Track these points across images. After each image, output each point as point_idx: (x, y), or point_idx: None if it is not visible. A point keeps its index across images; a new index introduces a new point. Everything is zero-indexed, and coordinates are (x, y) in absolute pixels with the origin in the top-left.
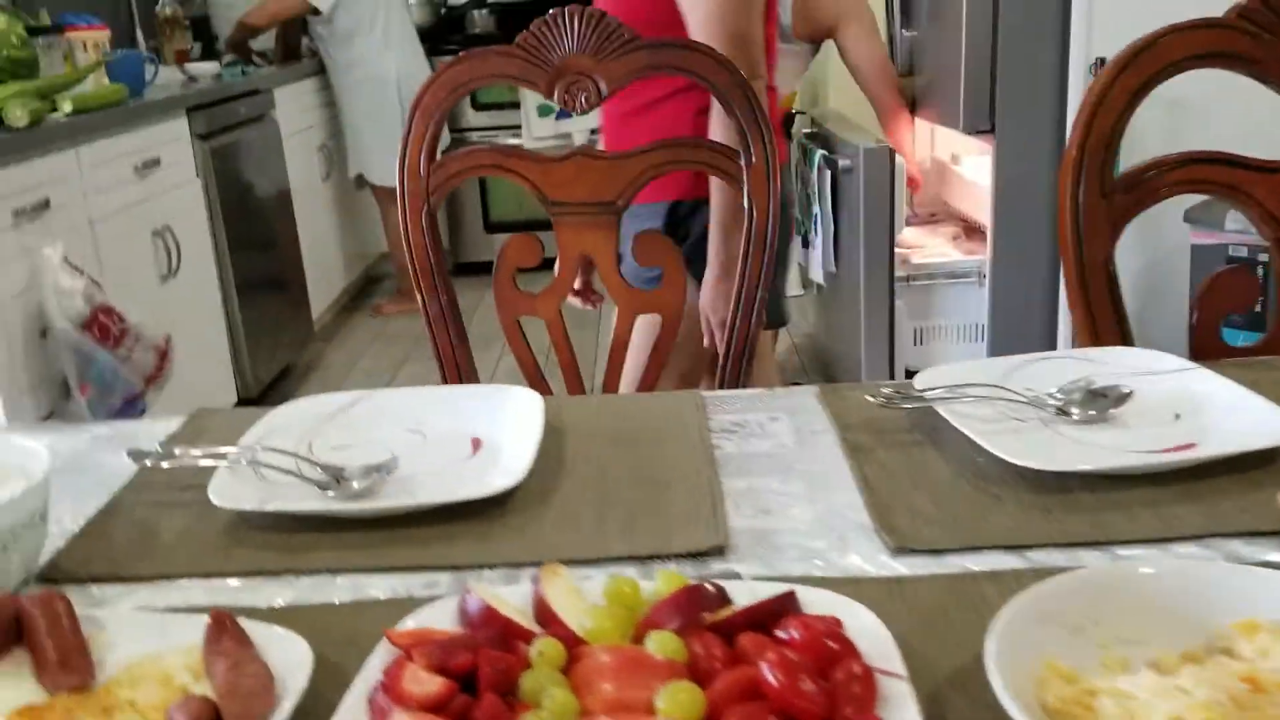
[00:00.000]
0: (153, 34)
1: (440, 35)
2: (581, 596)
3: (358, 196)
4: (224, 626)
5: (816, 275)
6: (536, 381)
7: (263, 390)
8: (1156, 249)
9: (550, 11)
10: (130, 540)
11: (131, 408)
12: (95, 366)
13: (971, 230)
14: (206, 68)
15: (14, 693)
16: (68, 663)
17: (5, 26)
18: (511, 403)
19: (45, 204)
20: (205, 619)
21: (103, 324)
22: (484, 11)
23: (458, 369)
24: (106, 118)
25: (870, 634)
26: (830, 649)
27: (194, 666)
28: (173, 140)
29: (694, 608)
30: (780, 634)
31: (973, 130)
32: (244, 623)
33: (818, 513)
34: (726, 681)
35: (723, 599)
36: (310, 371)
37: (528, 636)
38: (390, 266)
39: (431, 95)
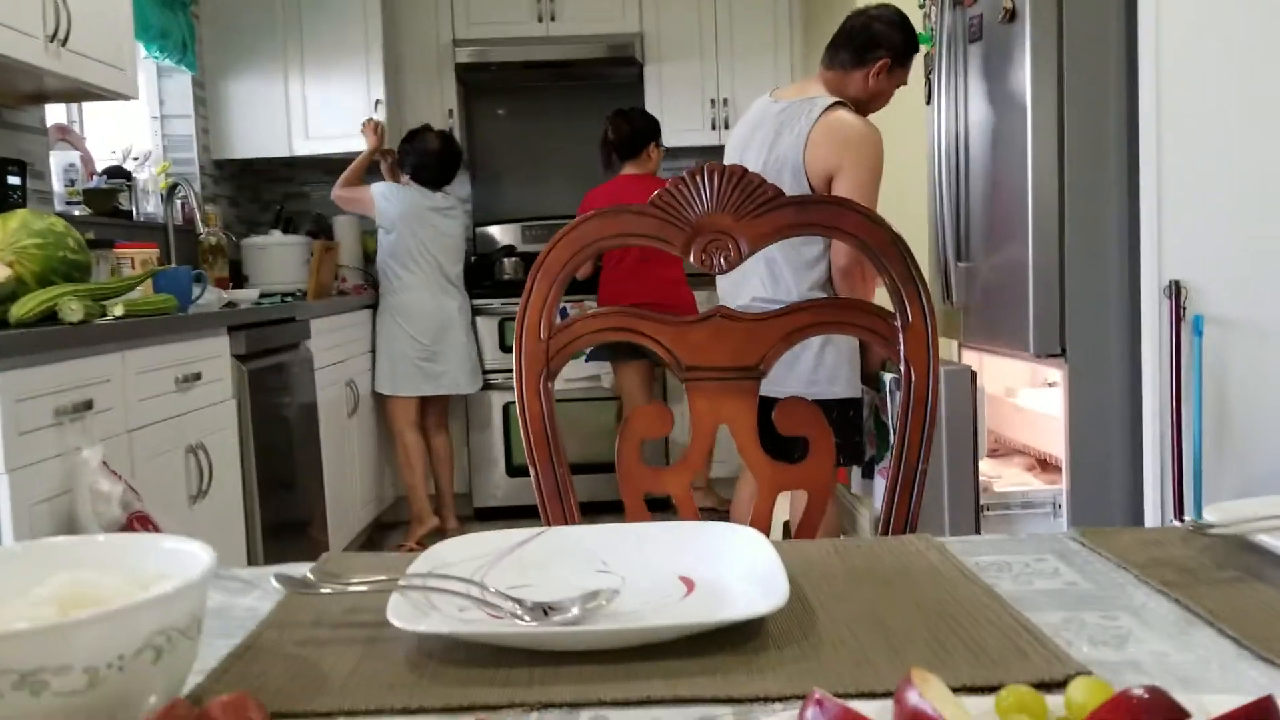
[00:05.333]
0: (194, 260)
1: (471, 281)
2: (966, 710)
3: (378, 436)
4: None
5: None
6: None
7: None
8: None
9: (688, 169)
10: (290, 676)
11: None
12: None
13: (1044, 464)
14: (246, 294)
15: None
16: None
17: (64, 230)
18: (722, 540)
19: (88, 404)
20: None
21: (137, 533)
22: (514, 259)
23: None
24: (153, 325)
25: None
26: None
27: None
28: (213, 357)
29: (1151, 717)
30: None
31: (1044, 354)
32: None
33: (1178, 646)
34: None
35: (1177, 710)
36: None
37: None
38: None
39: (556, 255)
